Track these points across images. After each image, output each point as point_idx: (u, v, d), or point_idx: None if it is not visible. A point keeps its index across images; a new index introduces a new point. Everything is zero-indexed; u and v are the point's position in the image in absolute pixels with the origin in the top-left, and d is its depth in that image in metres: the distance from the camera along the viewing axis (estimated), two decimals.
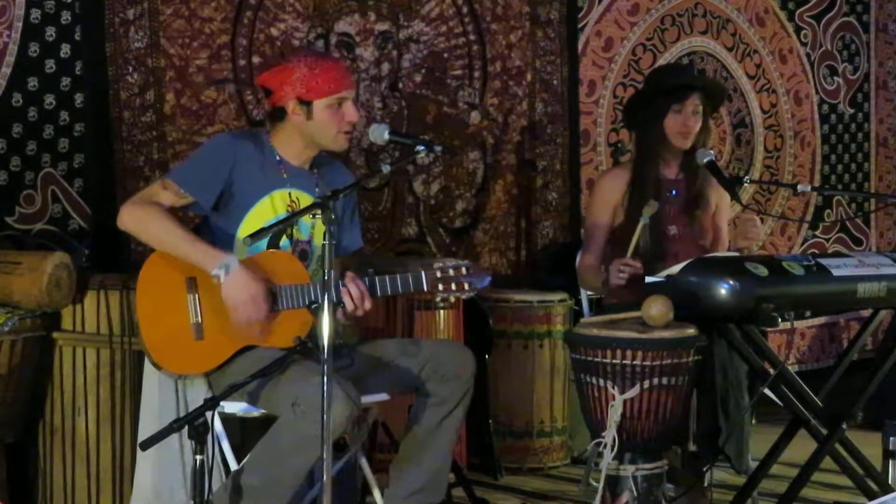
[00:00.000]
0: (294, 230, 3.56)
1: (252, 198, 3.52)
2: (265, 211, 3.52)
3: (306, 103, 3.52)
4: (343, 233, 3.66)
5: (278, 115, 3.58)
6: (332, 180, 3.63)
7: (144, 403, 3.63)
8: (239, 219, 3.51)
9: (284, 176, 3.57)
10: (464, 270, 3.42)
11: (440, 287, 3.41)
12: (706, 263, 3.77)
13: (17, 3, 4.28)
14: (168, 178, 3.51)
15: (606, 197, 4.31)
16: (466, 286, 3.42)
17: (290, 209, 3.54)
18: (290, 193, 3.56)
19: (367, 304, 3.40)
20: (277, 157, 3.58)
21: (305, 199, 3.57)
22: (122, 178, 4.51)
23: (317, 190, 3.60)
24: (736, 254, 4.05)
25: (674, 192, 4.31)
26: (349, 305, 3.38)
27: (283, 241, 3.55)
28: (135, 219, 3.44)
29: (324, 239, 3.07)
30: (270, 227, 3.28)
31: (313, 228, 3.60)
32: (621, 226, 4.25)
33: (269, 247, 3.51)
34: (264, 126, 4.76)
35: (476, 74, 5.48)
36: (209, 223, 3.55)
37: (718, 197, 4.35)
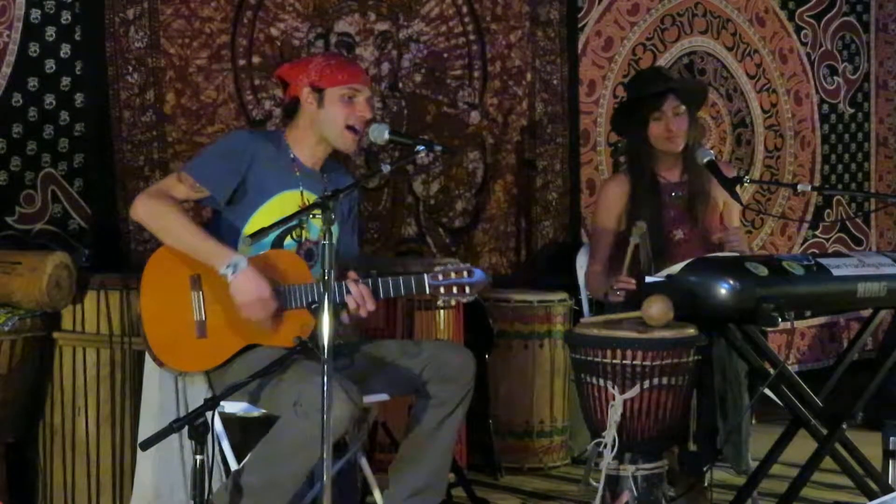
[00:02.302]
0: (303, 230, 3.57)
1: (263, 196, 3.53)
2: (274, 210, 3.52)
3: (319, 90, 3.55)
4: (343, 239, 3.67)
5: (293, 107, 3.60)
6: (339, 186, 3.63)
7: (144, 403, 3.63)
8: (248, 215, 3.52)
9: (297, 174, 3.58)
10: (465, 273, 3.42)
11: (441, 290, 3.42)
12: (706, 263, 3.77)
13: (17, 3, 4.28)
14: (184, 171, 3.52)
15: (610, 205, 4.32)
16: (467, 289, 3.43)
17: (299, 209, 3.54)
18: (301, 193, 3.57)
19: (370, 306, 3.41)
20: (291, 156, 3.60)
21: None
22: (122, 178, 4.51)
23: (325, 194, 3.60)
24: (736, 254, 4.05)
25: (676, 193, 4.30)
26: (352, 306, 3.39)
27: (288, 240, 3.55)
28: (148, 211, 3.45)
29: (323, 238, 3.07)
30: (271, 226, 3.28)
31: (322, 231, 3.59)
32: (623, 233, 4.25)
33: (273, 246, 3.51)
34: (264, 126, 4.79)
35: (476, 74, 5.48)
36: (217, 219, 3.55)
37: (726, 194, 4.34)
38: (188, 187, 3.49)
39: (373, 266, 3.64)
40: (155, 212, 3.45)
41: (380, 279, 3.42)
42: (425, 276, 3.41)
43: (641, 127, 4.26)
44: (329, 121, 3.56)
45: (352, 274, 3.42)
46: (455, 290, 3.42)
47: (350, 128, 3.57)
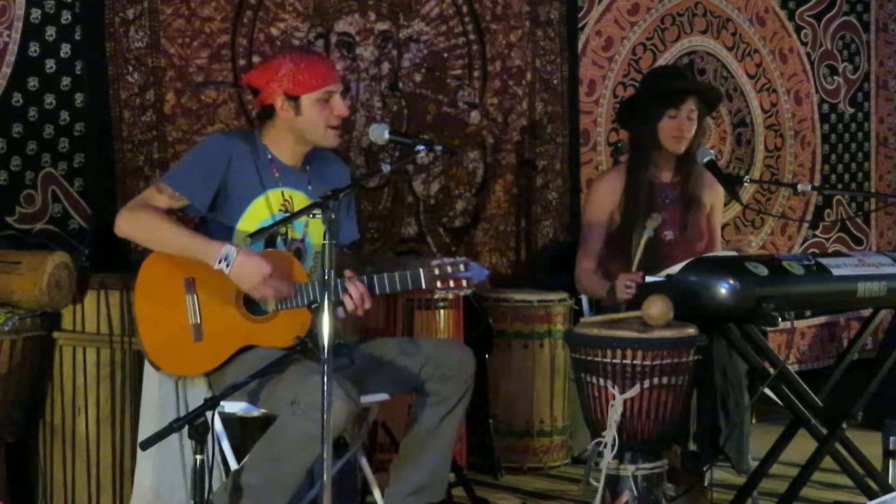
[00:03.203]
0: (288, 228, 3.56)
1: (247, 198, 3.52)
2: (260, 210, 3.52)
3: (294, 98, 3.53)
4: (340, 226, 3.65)
5: (267, 113, 3.58)
6: (325, 174, 3.64)
7: (144, 403, 3.63)
8: (234, 219, 3.51)
9: (277, 175, 3.57)
10: (461, 267, 3.42)
11: (439, 284, 3.41)
12: (706, 263, 3.77)
13: (17, 3, 4.28)
14: (162, 182, 3.51)
15: (602, 201, 4.31)
16: (465, 282, 3.42)
17: (283, 208, 3.54)
18: (283, 193, 3.57)
19: (367, 304, 3.41)
20: (270, 157, 3.58)
21: (298, 198, 3.57)
22: (122, 178, 4.51)
23: (309, 188, 3.60)
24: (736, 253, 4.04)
25: (669, 194, 4.30)
26: (349, 306, 3.38)
27: (278, 241, 3.55)
28: (131, 224, 3.45)
29: (323, 238, 3.07)
30: (271, 226, 3.28)
31: (307, 226, 3.60)
32: (618, 230, 4.25)
33: (265, 246, 3.51)
34: None
35: (476, 74, 5.48)
36: (205, 224, 3.55)
37: (713, 197, 4.35)
38: (168, 197, 3.47)
39: (370, 264, 3.63)
40: (137, 222, 3.44)
41: (375, 276, 3.41)
42: (421, 270, 3.40)
43: (652, 122, 4.24)
44: (309, 126, 3.55)
45: (348, 272, 3.41)
46: (452, 283, 3.41)
47: (331, 127, 3.56)
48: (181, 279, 3.42)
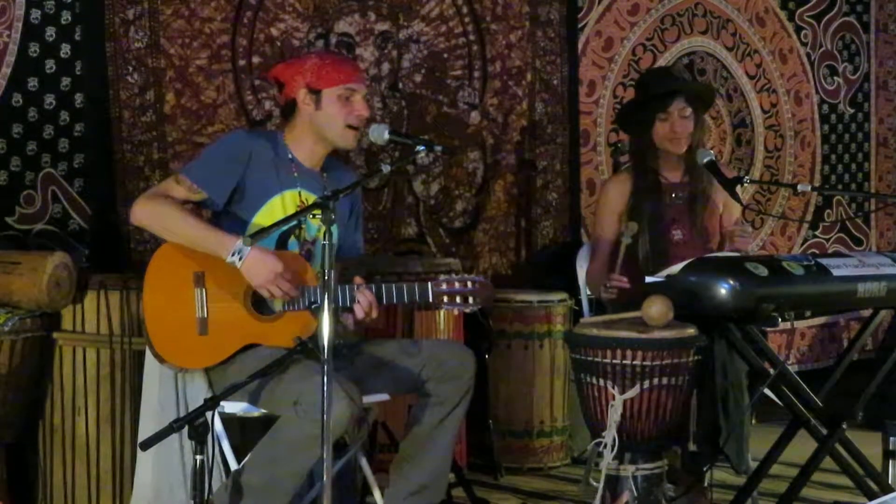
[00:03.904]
0: (303, 231, 3.57)
1: (263, 196, 3.53)
2: (275, 210, 3.52)
3: (316, 92, 3.54)
4: (345, 238, 3.67)
5: (290, 108, 3.59)
6: (341, 183, 3.64)
7: (144, 403, 3.63)
8: (249, 217, 3.52)
9: (295, 175, 3.57)
10: (469, 285, 3.43)
11: (445, 300, 3.43)
12: (706, 263, 3.77)
13: (17, 3, 4.29)
14: (181, 174, 3.51)
15: (612, 205, 4.33)
16: (471, 300, 3.44)
17: (298, 209, 3.54)
18: (300, 194, 3.57)
19: (375, 313, 3.43)
20: (290, 156, 3.59)
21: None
22: (122, 178, 4.52)
23: (324, 193, 3.60)
24: (736, 254, 4.04)
25: (678, 194, 4.31)
26: (359, 315, 3.40)
27: (291, 241, 3.55)
28: (147, 212, 3.45)
29: (324, 239, 3.07)
30: (271, 226, 3.28)
31: (319, 230, 3.60)
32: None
33: (276, 247, 3.51)
34: (264, 126, 4.79)
35: (476, 74, 5.48)
36: (220, 220, 3.55)
37: (726, 197, 4.34)
38: (186, 189, 3.48)
39: (372, 266, 3.63)
40: (154, 212, 3.44)
41: (383, 285, 3.42)
42: (429, 284, 3.42)
43: (647, 126, 4.27)
44: (328, 121, 3.56)
45: (358, 279, 3.42)
46: (458, 299, 3.43)
47: (350, 126, 3.57)
48: (191, 272, 3.43)
